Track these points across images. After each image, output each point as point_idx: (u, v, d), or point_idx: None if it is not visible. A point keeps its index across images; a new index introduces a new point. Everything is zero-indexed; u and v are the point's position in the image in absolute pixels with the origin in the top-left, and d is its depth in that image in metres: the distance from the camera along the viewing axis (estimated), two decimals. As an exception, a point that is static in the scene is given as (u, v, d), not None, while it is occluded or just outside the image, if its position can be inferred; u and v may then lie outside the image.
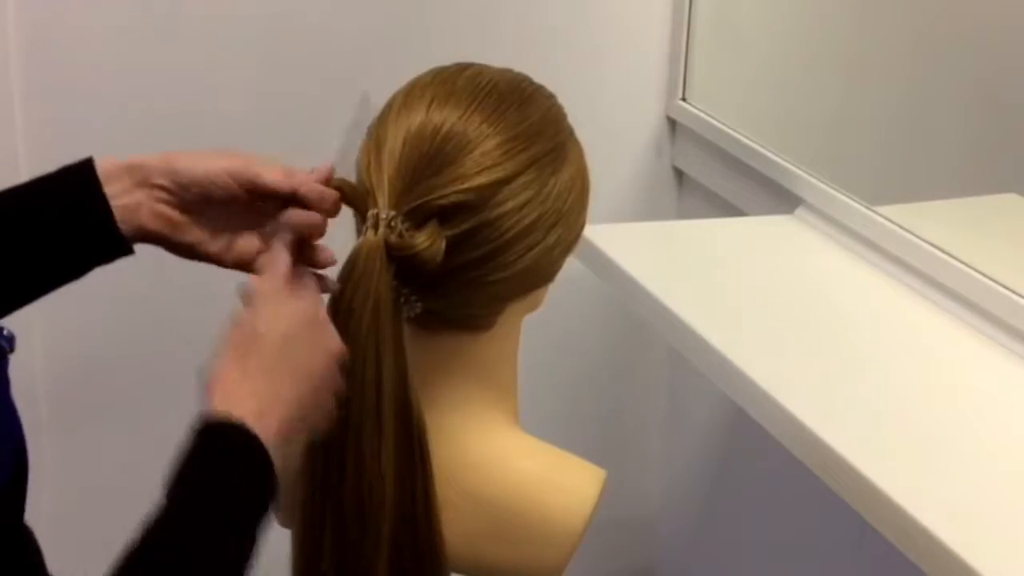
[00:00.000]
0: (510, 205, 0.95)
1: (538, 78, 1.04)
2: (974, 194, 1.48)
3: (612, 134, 1.89)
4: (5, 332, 0.78)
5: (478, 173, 0.94)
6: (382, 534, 0.96)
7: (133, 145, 1.67)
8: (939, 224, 1.44)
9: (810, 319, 1.38)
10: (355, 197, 0.96)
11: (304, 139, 1.71)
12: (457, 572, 1.03)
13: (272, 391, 0.84)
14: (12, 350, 0.80)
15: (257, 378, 0.84)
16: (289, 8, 1.71)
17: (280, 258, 0.90)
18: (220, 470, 0.81)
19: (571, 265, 1.05)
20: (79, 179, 0.92)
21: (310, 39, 1.70)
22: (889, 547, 1.05)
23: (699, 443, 2.00)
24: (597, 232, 1.50)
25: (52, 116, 1.61)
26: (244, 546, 0.80)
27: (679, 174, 1.96)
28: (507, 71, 1.02)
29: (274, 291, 0.89)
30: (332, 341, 0.89)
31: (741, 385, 1.24)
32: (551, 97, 1.03)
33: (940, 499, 1.06)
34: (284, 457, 0.86)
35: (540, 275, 1.01)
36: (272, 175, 0.93)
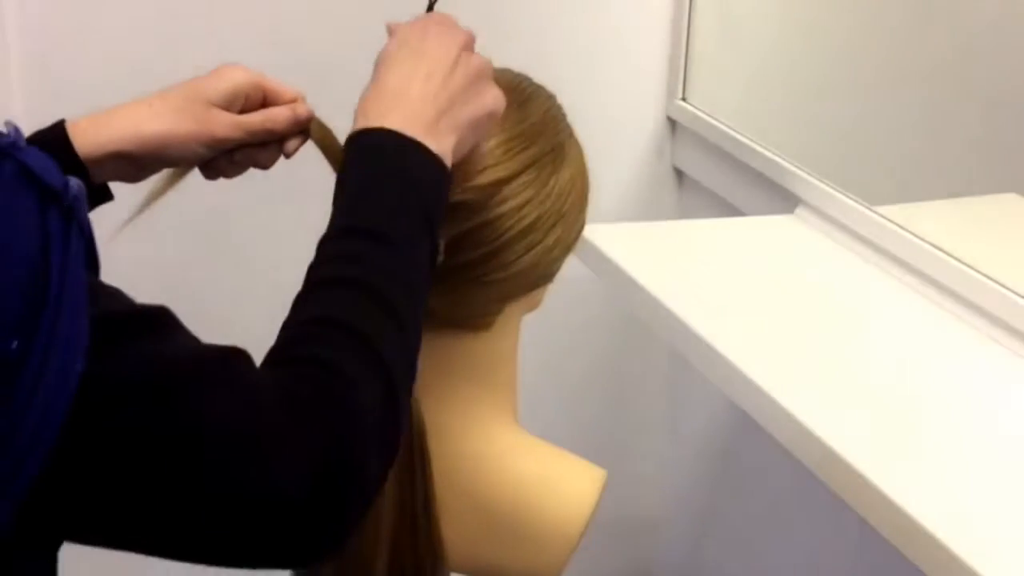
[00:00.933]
0: (510, 205, 0.95)
1: (538, 78, 1.04)
2: (974, 194, 1.48)
3: (612, 134, 1.89)
4: (73, 188, 0.72)
5: (478, 173, 0.94)
6: (381, 534, 0.96)
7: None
8: (939, 224, 1.44)
9: (810, 319, 1.38)
10: (325, 139, 0.97)
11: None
12: (456, 572, 1.03)
13: (414, 81, 0.87)
14: (84, 209, 0.75)
15: (400, 76, 0.88)
16: (289, 9, 1.71)
17: None
18: (374, 166, 0.85)
19: (571, 265, 1.05)
20: (50, 139, 0.93)
21: (310, 39, 1.70)
22: (889, 547, 1.05)
23: (699, 443, 2.00)
24: (597, 232, 1.50)
25: (52, 115, 1.61)
26: (412, 242, 0.83)
27: (679, 174, 1.96)
28: (507, 71, 1.02)
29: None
30: (457, 31, 0.93)
31: (741, 385, 1.24)
32: (551, 97, 1.03)
33: (940, 499, 1.06)
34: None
35: (540, 275, 1.01)
36: (224, 131, 0.94)
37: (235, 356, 0.75)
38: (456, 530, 1.00)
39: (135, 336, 0.72)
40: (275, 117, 0.96)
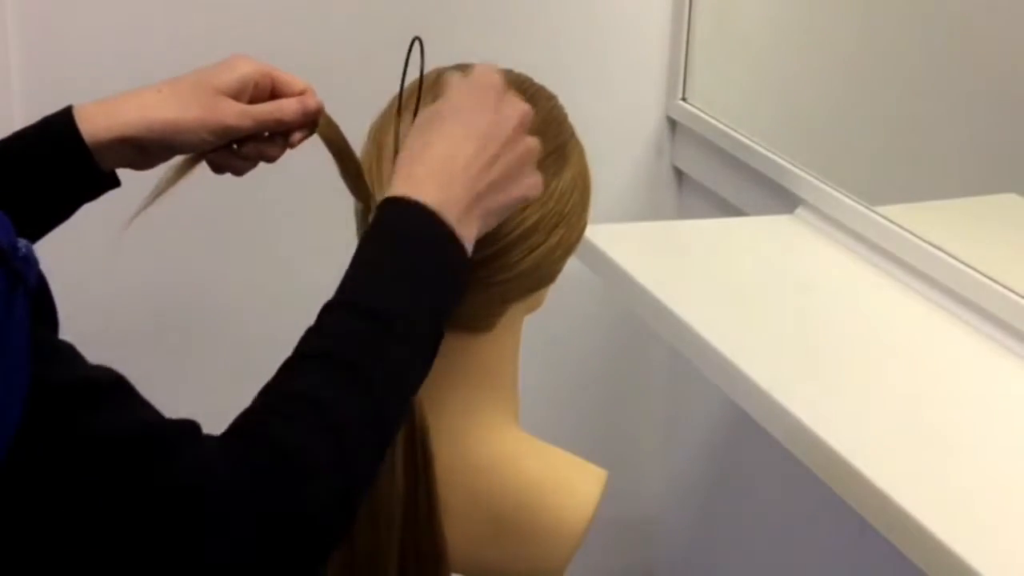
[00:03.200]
0: (512, 206, 0.95)
1: (538, 78, 1.04)
2: (974, 194, 1.48)
3: (612, 134, 1.89)
4: (21, 249, 0.72)
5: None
6: (392, 536, 0.96)
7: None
8: (939, 224, 1.44)
9: (810, 319, 1.38)
10: (331, 134, 0.97)
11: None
12: (459, 573, 1.03)
13: (456, 159, 0.86)
14: (33, 268, 0.75)
15: (440, 151, 0.86)
16: (290, 9, 1.71)
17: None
18: (399, 244, 0.83)
19: (572, 265, 1.05)
20: (56, 122, 0.93)
21: (311, 40, 1.70)
22: (889, 547, 1.05)
23: (699, 443, 2.00)
24: (597, 232, 1.50)
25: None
26: (416, 331, 0.82)
27: (679, 174, 1.96)
28: (508, 72, 1.02)
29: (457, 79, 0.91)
30: (515, 104, 0.90)
31: (741, 385, 1.24)
32: (552, 98, 1.03)
33: (940, 499, 1.06)
34: None
35: (542, 276, 1.01)
36: (233, 119, 0.94)
37: (183, 430, 0.75)
38: (458, 531, 1.00)
39: (85, 406, 0.71)
40: (284, 107, 0.96)
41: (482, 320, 1.01)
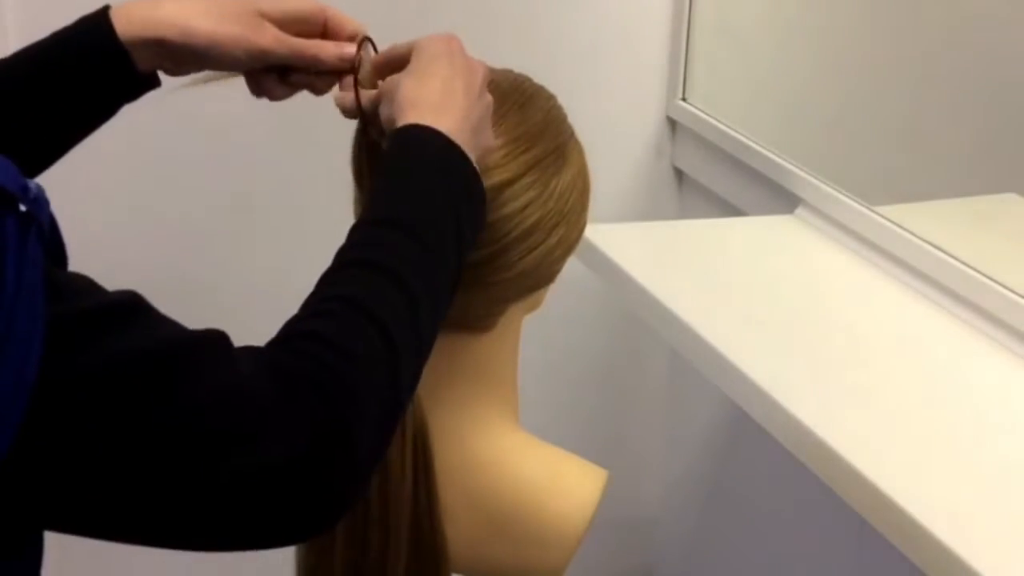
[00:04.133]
0: (512, 207, 0.95)
1: (538, 78, 1.04)
2: (974, 194, 1.48)
3: (612, 134, 1.89)
4: (32, 190, 0.73)
5: (481, 175, 0.94)
6: (401, 534, 0.96)
7: (136, 141, 1.67)
8: (939, 224, 1.44)
9: (810, 319, 1.38)
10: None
11: (308, 139, 1.71)
12: (459, 572, 1.03)
13: (448, 97, 0.89)
14: (44, 210, 0.75)
15: (432, 84, 0.89)
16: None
17: None
18: (419, 163, 0.85)
19: (572, 265, 1.05)
20: (91, 20, 0.94)
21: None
22: (889, 547, 1.05)
23: (699, 443, 2.00)
24: (597, 232, 1.50)
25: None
26: (444, 239, 0.84)
27: (679, 174, 1.96)
28: (508, 72, 1.02)
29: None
30: (476, 60, 0.94)
31: (741, 385, 1.24)
32: (552, 98, 1.03)
33: (940, 499, 1.06)
34: None
35: (542, 276, 1.01)
36: (269, 44, 0.95)
37: (211, 339, 0.75)
38: (459, 530, 1.00)
39: (107, 329, 0.71)
40: (323, 48, 0.96)
41: (482, 320, 1.01)
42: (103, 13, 0.93)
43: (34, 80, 0.93)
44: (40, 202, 0.73)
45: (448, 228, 0.85)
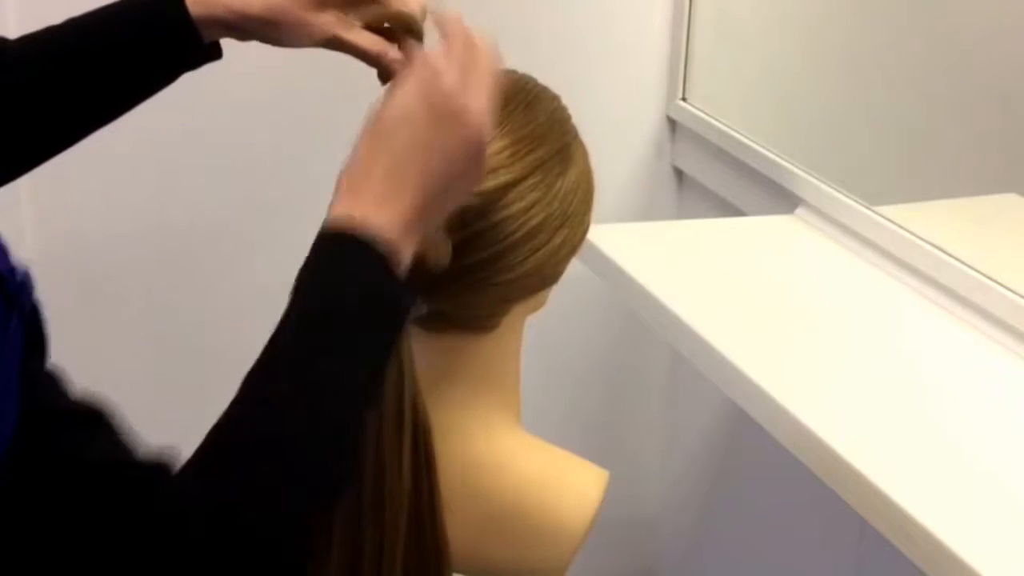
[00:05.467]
0: (517, 207, 0.95)
1: (538, 78, 1.04)
2: (974, 194, 1.48)
3: (612, 134, 1.89)
4: (18, 274, 0.73)
5: (485, 176, 0.94)
6: (398, 533, 0.96)
7: (136, 141, 1.67)
8: (939, 224, 1.44)
9: (810, 319, 1.38)
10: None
11: (309, 138, 1.72)
12: (460, 572, 1.03)
13: (399, 172, 0.81)
14: (29, 294, 0.75)
15: (384, 166, 0.81)
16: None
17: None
18: (336, 286, 0.79)
19: (572, 265, 1.05)
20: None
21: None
22: (889, 547, 1.05)
23: (699, 443, 2.00)
24: (597, 232, 1.49)
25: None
26: (366, 361, 0.79)
27: (679, 174, 1.96)
28: (512, 72, 1.02)
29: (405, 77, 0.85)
30: (471, 122, 0.82)
31: (741, 385, 1.24)
32: (556, 98, 1.03)
33: (940, 499, 1.06)
34: None
35: (546, 276, 1.01)
36: (325, 40, 0.96)
37: (153, 473, 0.74)
38: (460, 530, 1.00)
39: (63, 435, 0.72)
40: (386, 52, 0.96)
41: (485, 320, 1.01)
42: None
43: (101, 40, 0.96)
44: (26, 287, 0.73)
45: (359, 356, 0.80)
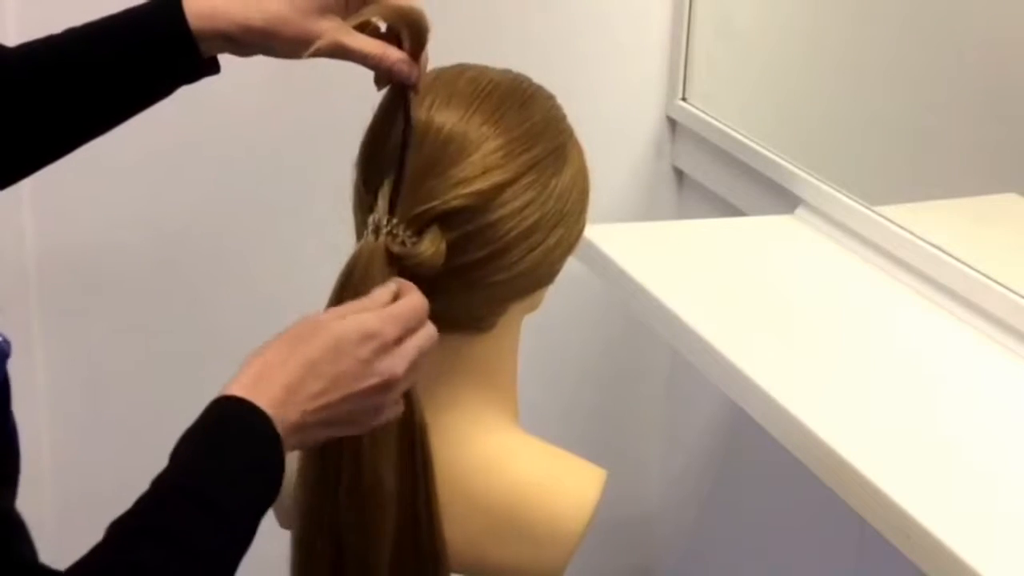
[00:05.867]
0: (512, 207, 0.95)
1: (538, 78, 1.04)
2: (974, 194, 1.48)
3: (612, 134, 1.89)
4: (1, 339, 0.78)
5: (480, 176, 0.94)
6: (383, 535, 0.96)
7: (135, 146, 1.67)
8: (939, 224, 1.44)
9: (810, 319, 1.38)
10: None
11: (307, 144, 1.72)
12: (458, 572, 1.03)
13: (305, 386, 0.83)
14: (8, 355, 0.80)
15: (295, 370, 0.83)
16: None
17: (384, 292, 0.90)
18: (226, 444, 0.81)
19: (571, 265, 1.05)
20: (165, 9, 0.96)
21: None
22: (889, 547, 1.05)
23: (699, 443, 2.00)
24: (597, 232, 1.50)
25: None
26: (237, 526, 0.80)
27: (679, 174, 1.95)
28: (507, 72, 1.02)
29: (361, 305, 0.88)
30: (392, 365, 0.86)
31: (741, 385, 1.24)
32: (551, 98, 1.03)
33: (940, 499, 1.06)
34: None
35: (542, 276, 1.01)
36: (326, 48, 0.96)
37: None
38: (458, 530, 1.00)
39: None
40: (387, 55, 0.96)
41: (481, 320, 1.01)
42: (176, 2, 0.96)
43: (100, 52, 0.96)
44: (3, 352, 0.74)
45: (243, 503, 0.80)
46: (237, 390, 0.82)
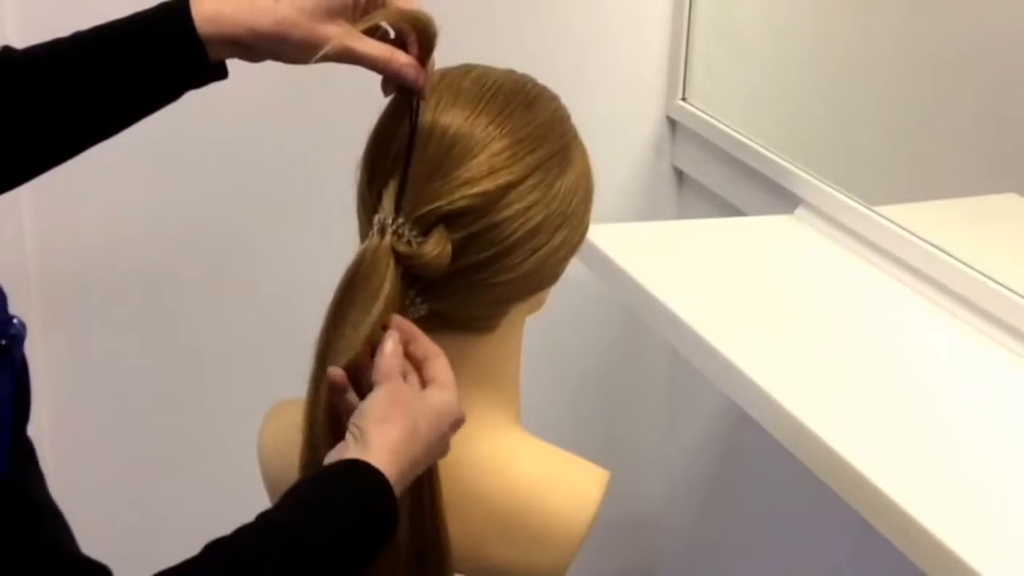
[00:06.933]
0: (516, 208, 0.95)
1: (538, 78, 1.04)
2: (974, 194, 1.48)
3: (612, 134, 1.89)
4: (14, 325, 0.77)
5: (485, 177, 0.94)
6: (400, 536, 0.96)
7: (136, 146, 1.68)
8: (939, 224, 1.44)
9: (810, 319, 1.38)
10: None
11: (310, 143, 1.72)
12: (461, 572, 1.03)
13: (414, 462, 0.90)
14: (20, 346, 0.80)
15: (415, 450, 0.90)
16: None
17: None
18: (350, 502, 0.85)
19: (572, 266, 1.05)
20: (174, 13, 0.96)
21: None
22: (889, 547, 1.05)
23: (699, 443, 2.00)
24: (597, 232, 1.49)
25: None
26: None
27: (679, 174, 1.96)
28: (511, 72, 1.02)
29: (450, 383, 0.95)
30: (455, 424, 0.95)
31: (741, 385, 1.24)
32: (555, 98, 1.03)
33: (940, 499, 1.06)
34: (286, 456, 0.91)
35: (545, 277, 1.01)
36: (335, 54, 0.96)
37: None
38: (461, 530, 1.00)
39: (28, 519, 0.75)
40: (394, 59, 0.96)
41: (484, 321, 1.01)
42: (184, 1, 0.95)
43: (107, 56, 0.96)
44: (18, 339, 0.74)
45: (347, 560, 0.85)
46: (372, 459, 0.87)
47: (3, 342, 0.72)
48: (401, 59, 0.96)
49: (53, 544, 0.76)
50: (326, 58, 0.95)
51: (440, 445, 0.93)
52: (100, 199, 1.68)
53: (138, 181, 1.70)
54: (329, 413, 0.93)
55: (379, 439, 0.87)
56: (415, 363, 0.95)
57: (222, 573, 0.79)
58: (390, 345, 0.93)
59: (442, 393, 0.94)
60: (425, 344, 0.96)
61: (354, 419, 0.89)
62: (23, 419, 0.80)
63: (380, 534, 0.87)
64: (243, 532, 0.81)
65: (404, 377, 0.94)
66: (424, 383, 0.95)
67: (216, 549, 0.80)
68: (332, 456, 0.88)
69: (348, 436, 0.88)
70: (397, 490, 0.87)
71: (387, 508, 0.86)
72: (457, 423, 0.94)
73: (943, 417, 1.20)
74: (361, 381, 0.93)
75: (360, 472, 0.86)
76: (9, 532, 0.71)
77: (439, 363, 0.95)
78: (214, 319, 1.78)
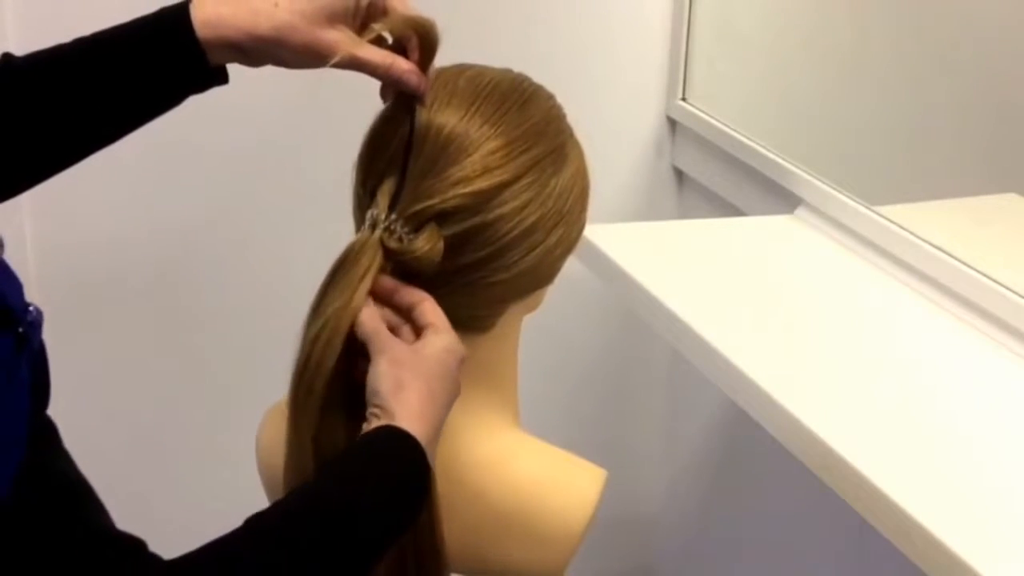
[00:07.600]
0: (511, 206, 0.95)
1: (538, 78, 1.04)
2: (974, 194, 1.48)
3: (612, 134, 1.89)
4: (31, 312, 0.78)
5: (479, 176, 0.94)
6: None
7: (136, 146, 1.68)
8: (939, 224, 1.44)
9: (810, 319, 1.38)
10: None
11: (308, 142, 1.72)
12: (458, 572, 1.03)
13: (438, 417, 0.92)
14: (38, 334, 0.80)
15: (436, 406, 0.91)
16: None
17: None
18: (383, 467, 0.87)
19: (571, 265, 1.05)
20: (174, 18, 0.96)
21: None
22: (889, 547, 1.05)
23: (699, 443, 2.00)
24: (597, 232, 1.50)
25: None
26: (375, 543, 0.86)
27: (679, 174, 1.96)
28: (507, 71, 1.02)
29: (443, 323, 0.95)
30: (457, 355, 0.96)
31: (741, 385, 1.24)
32: (551, 97, 1.03)
33: (940, 499, 1.06)
34: (277, 454, 0.93)
35: (541, 276, 1.01)
36: (335, 58, 0.96)
37: (132, 550, 0.78)
38: (458, 530, 1.00)
39: (59, 499, 0.75)
40: (395, 65, 0.96)
41: (482, 320, 1.01)
42: (184, 6, 0.95)
43: (108, 62, 0.96)
44: (35, 326, 0.74)
45: (385, 527, 0.88)
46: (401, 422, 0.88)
47: (21, 330, 0.72)
48: (403, 66, 0.96)
49: (85, 520, 0.76)
50: (337, 66, 0.95)
51: (453, 388, 0.94)
52: (100, 199, 1.68)
53: (138, 181, 1.70)
54: (321, 389, 0.93)
55: (402, 408, 0.88)
56: (403, 313, 0.95)
57: (266, 550, 0.81)
58: (365, 312, 0.93)
59: (439, 337, 0.94)
60: (408, 291, 0.95)
61: (370, 400, 0.90)
62: (43, 402, 0.80)
63: (418, 502, 0.89)
64: (282, 507, 0.84)
65: (397, 330, 0.94)
66: (417, 331, 0.95)
67: (256, 524, 0.82)
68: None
69: (370, 418, 0.89)
70: (430, 451, 0.89)
71: (422, 472, 0.88)
72: (461, 359, 0.95)
73: (943, 417, 1.20)
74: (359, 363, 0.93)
75: (396, 437, 0.87)
76: (41, 510, 0.71)
77: (426, 306, 0.95)
78: (214, 319, 1.78)
